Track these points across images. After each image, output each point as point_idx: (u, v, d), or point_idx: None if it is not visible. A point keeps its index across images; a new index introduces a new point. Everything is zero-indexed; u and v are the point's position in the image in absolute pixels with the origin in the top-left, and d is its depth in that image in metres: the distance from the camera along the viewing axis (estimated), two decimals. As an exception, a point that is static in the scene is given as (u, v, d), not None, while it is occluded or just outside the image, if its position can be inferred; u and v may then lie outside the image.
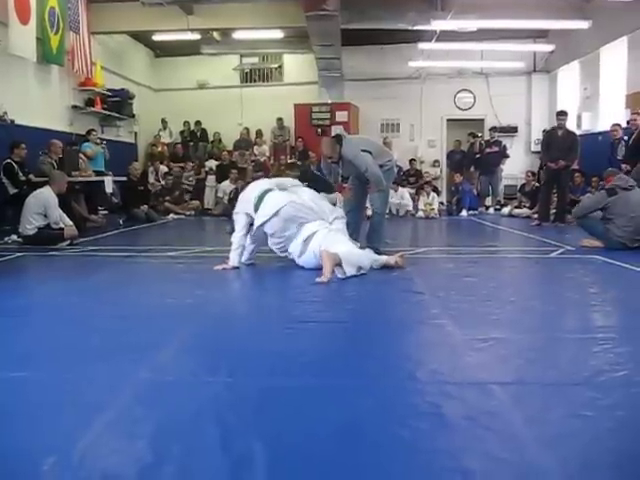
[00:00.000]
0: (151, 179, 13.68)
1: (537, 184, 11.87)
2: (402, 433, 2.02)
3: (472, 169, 14.15)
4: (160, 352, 2.90)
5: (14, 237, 7.65)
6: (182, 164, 14.45)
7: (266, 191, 5.56)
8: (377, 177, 6.20)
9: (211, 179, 13.99)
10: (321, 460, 1.85)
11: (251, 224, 5.57)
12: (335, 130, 11.99)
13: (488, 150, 13.60)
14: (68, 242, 7.37)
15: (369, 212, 7.50)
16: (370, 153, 6.21)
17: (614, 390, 2.42)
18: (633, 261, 5.67)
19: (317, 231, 5.35)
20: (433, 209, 12.37)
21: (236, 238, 5.56)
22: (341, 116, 14.55)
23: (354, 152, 6.20)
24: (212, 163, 14.49)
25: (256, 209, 5.46)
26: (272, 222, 5.40)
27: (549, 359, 2.86)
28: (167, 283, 5.12)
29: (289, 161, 14.56)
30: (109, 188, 11.01)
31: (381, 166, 6.28)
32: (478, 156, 13.97)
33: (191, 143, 15.81)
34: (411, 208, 12.58)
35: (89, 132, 11.44)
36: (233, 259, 5.50)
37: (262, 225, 5.43)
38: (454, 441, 1.99)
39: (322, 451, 1.90)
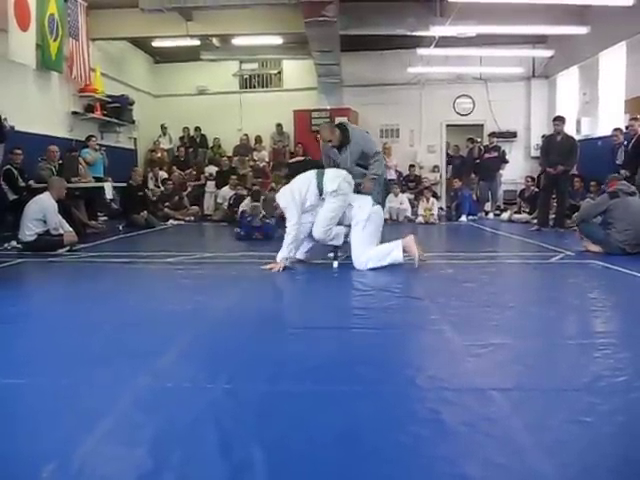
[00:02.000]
0: (151, 185, 13.69)
1: (537, 189, 11.88)
2: (402, 439, 2.02)
3: (472, 175, 14.11)
4: (160, 358, 2.90)
5: (14, 243, 7.64)
6: (183, 172, 14.46)
7: (320, 171, 5.96)
8: (381, 163, 6.39)
9: (211, 185, 14.00)
10: (321, 466, 1.85)
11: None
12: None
13: (487, 155, 13.58)
14: (68, 248, 7.37)
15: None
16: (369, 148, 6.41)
17: (614, 396, 2.42)
18: (633, 266, 5.67)
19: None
20: (432, 214, 12.37)
21: (293, 229, 5.70)
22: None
23: (363, 136, 6.34)
24: (212, 169, 14.50)
25: (320, 185, 5.78)
26: (343, 185, 5.79)
27: (549, 365, 2.86)
28: (167, 289, 5.12)
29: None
30: (109, 194, 11.02)
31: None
32: (477, 161, 13.98)
33: (191, 149, 15.82)
34: (409, 214, 12.59)
35: (88, 138, 11.45)
36: (290, 251, 5.69)
37: (336, 189, 5.73)
38: (454, 447, 1.99)
39: (322, 457, 1.90)
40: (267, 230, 8.87)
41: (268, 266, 5.72)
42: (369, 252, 5.68)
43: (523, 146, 15.84)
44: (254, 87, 16.98)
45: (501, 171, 13.90)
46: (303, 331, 3.55)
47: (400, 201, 12.64)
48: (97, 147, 11.48)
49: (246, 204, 9.68)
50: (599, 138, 12.01)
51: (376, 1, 12.05)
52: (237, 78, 16.93)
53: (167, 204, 12.85)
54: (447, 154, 15.82)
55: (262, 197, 9.30)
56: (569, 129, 10.89)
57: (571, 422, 2.15)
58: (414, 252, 5.64)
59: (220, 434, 2.05)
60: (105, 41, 13.64)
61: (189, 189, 13.85)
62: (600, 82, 12.47)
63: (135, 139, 15.54)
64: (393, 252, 5.63)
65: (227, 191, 12.65)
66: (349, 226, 5.86)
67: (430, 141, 16.19)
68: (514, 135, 15.74)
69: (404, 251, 5.66)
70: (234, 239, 8.86)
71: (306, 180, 5.89)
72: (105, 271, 6.12)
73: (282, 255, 5.70)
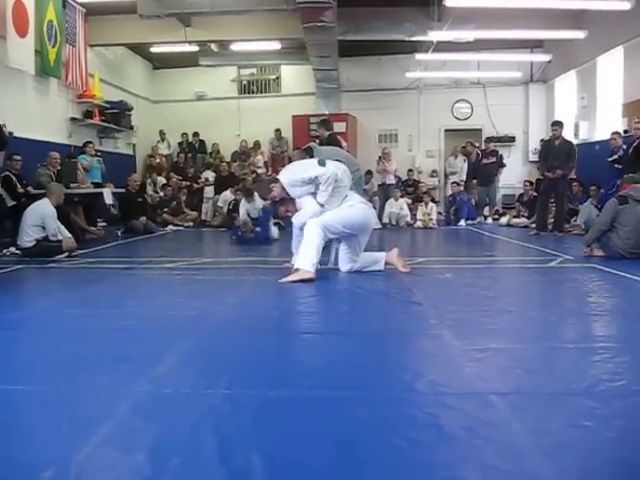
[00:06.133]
0: (149, 191, 13.69)
1: (535, 194, 11.89)
2: (400, 444, 2.01)
3: (474, 180, 13.94)
4: (158, 364, 2.89)
5: (12, 249, 7.63)
6: (181, 178, 14.45)
7: (321, 160, 5.86)
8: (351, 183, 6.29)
9: (208, 190, 13.97)
10: (319, 472, 1.84)
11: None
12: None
13: (485, 161, 13.47)
14: (66, 254, 7.37)
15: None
16: (340, 162, 6.28)
17: (613, 400, 2.41)
18: (632, 270, 5.67)
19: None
20: (431, 219, 12.37)
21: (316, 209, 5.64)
22: (339, 127, 14.50)
23: (329, 156, 6.27)
24: (209, 174, 14.46)
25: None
26: (343, 177, 5.73)
27: (548, 369, 2.86)
28: (166, 295, 5.11)
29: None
30: (109, 199, 11.03)
31: (352, 172, 6.40)
32: (473, 167, 13.86)
33: (189, 155, 15.83)
34: (409, 219, 12.59)
35: (85, 144, 11.47)
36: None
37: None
38: (453, 452, 1.98)
39: (321, 463, 1.89)
40: (261, 237, 8.96)
41: (288, 279, 5.37)
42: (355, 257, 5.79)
43: (521, 150, 15.89)
44: (253, 92, 17.02)
45: (499, 175, 13.84)
46: (302, 336, 3.55)
47: (400, 206, 12.62)
48: (93, 153, 11.48)
49: (243, 204, 9.69)
50: (597, 142, 12.04)
51: (374, 6, 12.09)
52: (235, 83, 16.98)
53: (165, 209, 12.86)
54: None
55: (259, 179, 9.35)
56: (567, 133, 10.90)
57: (570, 426, 2.14)
58: (397, 265, 5.82)
59: (219, 440, 2.04)
60: (104, 47, 13.68)
61: (184, 197, 13.82)
62: (598, 86, 12.51)
63: (134, 145, 15.58)
64: (379, 263, 5.85)
65: (228, 195, 12.61)
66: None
67: (429, 146, 16.24)
68: (512, 139, 15.79)
69: (389, 264, 5.86)
70: (231, 243, 8.95)
71: (308, 164, 5.86)
72: (104, 277, 6.12)
73: (308, 260, 5.42)
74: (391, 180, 13.49)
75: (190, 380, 2.72)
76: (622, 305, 4.52)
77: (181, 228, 12.38)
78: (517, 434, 2.08)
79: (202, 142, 16.21)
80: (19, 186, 8.71)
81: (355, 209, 5.72)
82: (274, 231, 9.37)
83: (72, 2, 11.51)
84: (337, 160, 6.22)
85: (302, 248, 5.48)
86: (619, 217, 6.72)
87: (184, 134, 16.24)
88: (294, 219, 5.85)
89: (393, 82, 15.71)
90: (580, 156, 10.35)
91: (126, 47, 14.95)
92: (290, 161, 14.52)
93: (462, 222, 12.61)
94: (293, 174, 5.73)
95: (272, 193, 5.86)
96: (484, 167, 13.42)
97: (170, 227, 12.21)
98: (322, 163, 5.72)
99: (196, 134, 16.15)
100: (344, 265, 5.77)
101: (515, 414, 2.25)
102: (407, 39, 12.59)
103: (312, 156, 6.31)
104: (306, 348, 3.32)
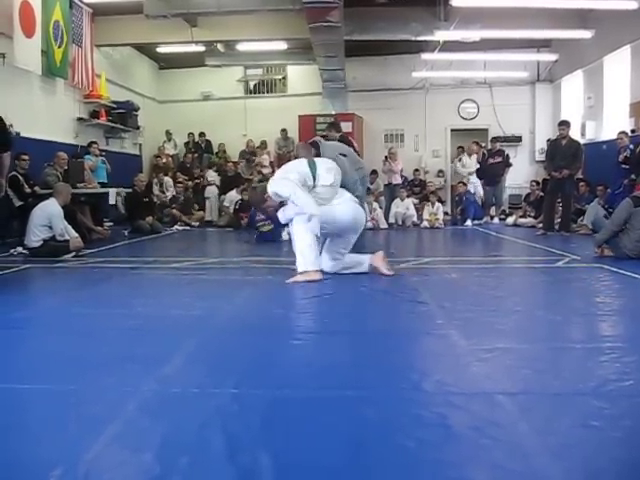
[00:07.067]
0: (155, 191, 13.71)
1: (542, 193, 11.85)
2: (407, 444, 2.01)
3: (481, 180, 13.82)
4: (166, 363, 2.90)
5: (20, 249, 7.65)
6: (187, 176, 14.47)
7: (310, 161, 5.67)
8: (354, 180, 6.21)
9: (212, 190, 13.97)
10: (327, 472, 1.84)
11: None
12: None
13: (491, 161, 13.37)
14: (73, 254, 7.38)
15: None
16: (345, 156, 6.25)
17: (621, 400, 2.40)
18: (639, 270, 5.65)
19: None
20: (438, 219, 12.34)
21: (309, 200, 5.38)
22: (345, 127, 14.47)
23: (332, 155, 6.20)
24: (212, 174, 14.45)
25: (314, 172, 5.50)
26: (337, 178, 5.62)
27: (555, 369, 2.85)
28: (173, 294, 5.12)
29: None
30: (112, 199, 11.07)
31: (356, 170, 6.34)
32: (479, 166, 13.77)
33: (196, 154, 15.85)
34: (415, 219, 12.56)
35: (90, 144, 11.51)
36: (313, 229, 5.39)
37: (333, 182, 5.55)
38: (460, 452, 1.98)
39: (328, 463, 1.89)
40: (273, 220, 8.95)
41: (294, 279, 5.37)
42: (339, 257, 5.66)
43: (528, 150, 15.84)
44: (259, 92, 17.02)
45: (505, 175, 13.74)
46: (308, 336, 3.55)
47: (406, 206, 12.60)
48: (97, 153, 11.51)
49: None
50: (604, 142, 12.00)
51: (380, 6, 12.08)
52: (242, 84, 17.00)
53: (174, 206, 12.94)
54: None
55: (252, 186, 9.25)
56: (574, 133, 10.87)
57: (578, 426, 2.14)
58: (381, 269, 5.57)
59: (227, 439, 2.04)
60: (110, 47, 13.72)
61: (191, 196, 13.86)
62: (605, 86, 12.47)
63: (140, 145, 15.60)
64: (363, 265, 5.64)
65: (234, 195, 12.61)
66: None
67: (435, 146, 16.21)
68: (519, 139, 15.74)
69: (373, 266, 5.62)
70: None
71: (299, 165, 5.67)
72: (111, 276, 6.12)
73: (308, 259, 5.37)
74: (397, 180, 13.49)
75: (197, 379, 2.72)
76: (630, 305, 4.51)
77: (187, 228, 12.39)
78: (525, 434, 2.07)
79: (208, 142, 16.23)
80: (26, 186, 8.74)
81: (342, 207, 5.53)
82: (285, 234, 9.31)
83: (78, 2, 11.56)
84: (341, 155, 6.19)
85: (298, 251, 5.40)
86: (632, 219, 6.61)
87: (190, 134, 16.26)
88: (279, 214, 5.61)
89: (399, 82, 15.70)
90: (587, 156, 10.33)
91: (132, 47, 14.99)
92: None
93: (468, 222, 12.57)
94: (276, 185, 5.51)
95: (267, 202, 5.70)
96: (490, 167, 13.35)
97: (176, 227, 12.22)
98: (312, 165, 5.56)
99: (202, 134, 16.17)
100: (326, 262, 5.60)
101: (523, 414, 2.25)
102: (413, 39, 12.58)
103: (318, 150, 6.26)
104: (313, 348, 3.32)
